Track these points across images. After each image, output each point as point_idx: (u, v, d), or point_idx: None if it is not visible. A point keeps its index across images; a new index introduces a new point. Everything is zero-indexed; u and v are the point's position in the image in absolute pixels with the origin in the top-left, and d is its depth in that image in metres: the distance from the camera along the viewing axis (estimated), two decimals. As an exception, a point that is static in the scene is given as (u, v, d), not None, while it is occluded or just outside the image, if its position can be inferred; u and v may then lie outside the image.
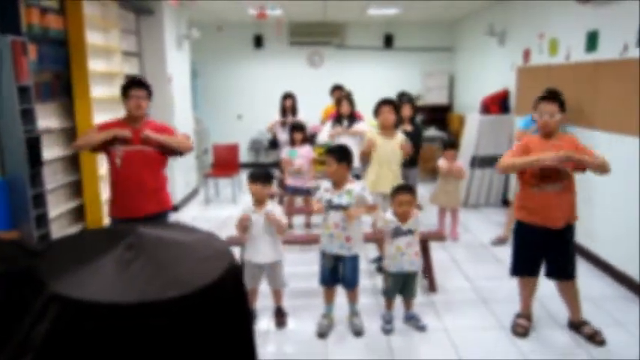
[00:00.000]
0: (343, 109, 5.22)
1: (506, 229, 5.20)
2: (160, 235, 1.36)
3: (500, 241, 5.22)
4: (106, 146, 3.35)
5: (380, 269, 4.43)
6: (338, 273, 3.44)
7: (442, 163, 5.23)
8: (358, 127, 5.11)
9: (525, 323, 3.43)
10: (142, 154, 3.38)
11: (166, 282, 1.18)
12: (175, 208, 6.54)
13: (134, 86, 3.40)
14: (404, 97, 5.68)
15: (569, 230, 3.24)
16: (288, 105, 6.27)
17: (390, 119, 4.24)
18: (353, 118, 5.26)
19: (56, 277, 1.18)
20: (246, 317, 1.44)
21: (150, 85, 3.52)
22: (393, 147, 4.24)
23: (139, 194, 3.39)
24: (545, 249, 3.28)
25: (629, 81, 4.01)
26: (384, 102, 4.30)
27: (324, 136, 5.27)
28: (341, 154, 3.32)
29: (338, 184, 3.34)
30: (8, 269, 1.25)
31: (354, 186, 3.35)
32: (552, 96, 3.16)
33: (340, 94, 6.32)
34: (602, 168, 3.00)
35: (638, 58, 3.90)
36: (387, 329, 3.45)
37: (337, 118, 5.29)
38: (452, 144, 5.49)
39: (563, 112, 3.15)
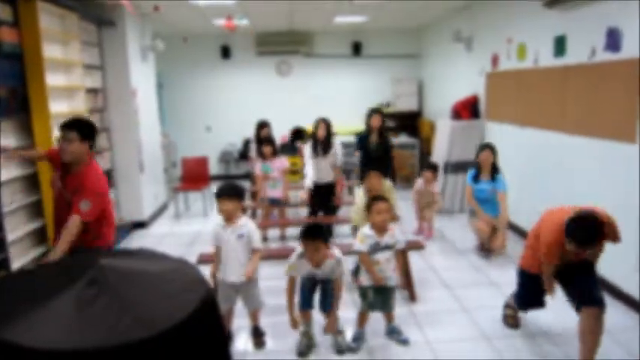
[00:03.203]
0: (319, 133, 5.13)
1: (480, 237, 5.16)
2: (125, 266, 1.22)
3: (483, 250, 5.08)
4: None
5: None
6: (313, 297, 3.36)
7: (419, 185, 5.16)
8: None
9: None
10: (63, 202, 3.11)
11: (134, 321, 1.05)
12: (144, 224, 6.32)
13: (62, 128, 3.04)
14: (373, 109, 5.58)
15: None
16: (264, 134, 6.13)
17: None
18: (329, 143, 5.17)
19: (5, 323, 1.04)
20: (223, 346, 1.32)
21: (86, 125, 3.13)
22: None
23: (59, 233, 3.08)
24: None
25: (598, 85, 4.04)
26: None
27: (310, 173, 5.15)
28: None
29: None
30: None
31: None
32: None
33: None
34: None
35: (606, 61, 3.94)
36: (353, 347, 3.34)
37: (313, 144, 5.19)
38: (433, 166, 5.52)
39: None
